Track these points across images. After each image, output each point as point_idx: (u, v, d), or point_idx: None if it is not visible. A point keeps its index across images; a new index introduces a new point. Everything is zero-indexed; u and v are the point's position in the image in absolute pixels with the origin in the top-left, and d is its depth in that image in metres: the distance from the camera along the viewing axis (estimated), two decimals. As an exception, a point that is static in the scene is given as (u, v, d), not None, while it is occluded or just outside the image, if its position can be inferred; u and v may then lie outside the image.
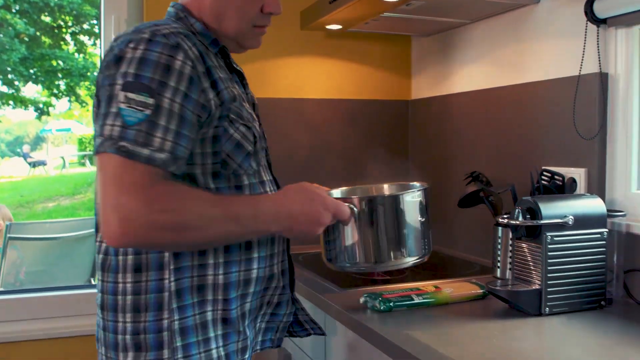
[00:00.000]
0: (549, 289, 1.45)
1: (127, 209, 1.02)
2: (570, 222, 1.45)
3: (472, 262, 2.13)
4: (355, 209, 1.28)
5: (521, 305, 1.48)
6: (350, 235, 1.31)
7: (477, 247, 2.20)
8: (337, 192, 1.44)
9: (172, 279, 1.17)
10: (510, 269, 1.73)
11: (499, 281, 1.72)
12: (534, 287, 1.47)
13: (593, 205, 1.52)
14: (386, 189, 1.51)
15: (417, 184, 1.45)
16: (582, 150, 1.74)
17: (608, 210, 1.56)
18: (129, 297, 1.18)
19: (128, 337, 1.18)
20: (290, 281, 1.38)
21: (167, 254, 1.18)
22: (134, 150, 1.05)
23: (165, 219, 1.05)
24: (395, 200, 1.32)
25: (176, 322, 1.18)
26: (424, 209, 1.35)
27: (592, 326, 1.38)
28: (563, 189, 1.71)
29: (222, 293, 1.22)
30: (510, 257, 1.69)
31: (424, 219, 1.35)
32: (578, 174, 1.73)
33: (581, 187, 1.71)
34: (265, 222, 1.17)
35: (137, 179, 1.04)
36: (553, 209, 1.46)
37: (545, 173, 1.75)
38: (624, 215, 1.57)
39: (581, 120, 1.73)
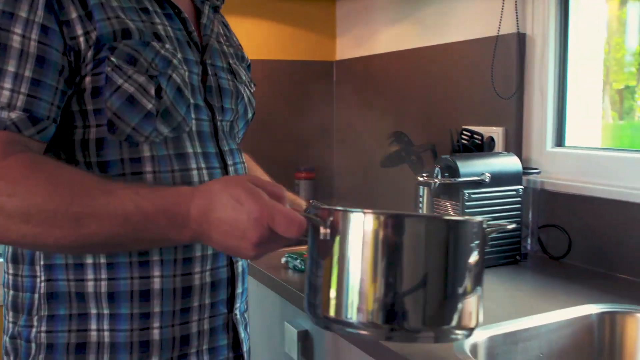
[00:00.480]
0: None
1: None
2: (487, 180, 1.48)
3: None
4: (322, 227, 0.72)
5: (440, 262, 1.49)
6: (319, 267, 0.74)
7: (400, 205, 2.22)
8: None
9: (42, 277, 0.91)
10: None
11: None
12: (452, 244, 1.49)
13: (509, 163, 1.55)
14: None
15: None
16: (500, 110, 1.77)
17: (524, 168, 1.60)
18: (10, 292, 0.95)
19: (7, 339, 0.96)
20: (229, 297, 1.00)
21: None
22: None
23: (13, 206, 0.76)
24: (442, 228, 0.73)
25: (43, 336, 0.91)
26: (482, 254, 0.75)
27: (507, 280, 1.42)
28: (482, 147, 1.74)
29: (107, 306, 0.90)
30: (431, 215, 1.71)
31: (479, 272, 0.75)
32: (496, 132, 1.76)
33: (499, 145, 1.75)
34: (160, 225, 0.78)
35: None
36: (470, 167, 1.49)
37: (465, 132, 1.77)
38: (538, 173, 1.62)
39: (499, 80, 1.76)
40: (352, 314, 0.70)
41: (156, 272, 0.91)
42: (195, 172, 0.95)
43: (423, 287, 0.69)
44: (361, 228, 0.70)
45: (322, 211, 0.72)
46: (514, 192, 1.53)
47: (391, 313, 0.69)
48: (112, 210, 0.77)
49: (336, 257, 0.71)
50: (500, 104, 1.76)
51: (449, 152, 1.71)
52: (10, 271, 0.94)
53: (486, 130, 1.77)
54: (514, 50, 1.72)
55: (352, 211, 0.71)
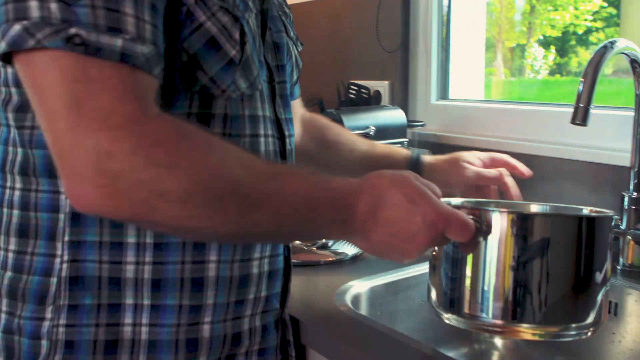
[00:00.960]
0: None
1: (116, 158, 0.60)
2: (371, 133, 1.49)
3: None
4: (482, 226, 0.71)
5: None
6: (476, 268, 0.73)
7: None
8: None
9: (65, 257, 0.73)
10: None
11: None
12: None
13: (394, 116, 1.56)
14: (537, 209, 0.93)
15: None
16: (386, 64, 1.77)
17: (409, 121, 1.61)
18: (7, 275, 0.75)
19: None
20: (282, 291, 0.89)
21: (61, 216, 0.73)
22: (97, 42, 0.61)
23: (172, 182, 0.61)
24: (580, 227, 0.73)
25: (61, 331, 0.73)
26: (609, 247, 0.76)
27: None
28: (369, 101, 1.74)
29: (150, 295, 0.75)
30: (320, 171, 1.71)
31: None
32: (382, 86, 1.76)
33: (385, 99, 1.76)
34: (326, 218, 0.69)
35: (123, 92, 0.61)
36: (355, 120, 1.48)
37: (352, 87, 1.77)
38: (423, 125, 1.64)
39: (385, 34, 1.75)
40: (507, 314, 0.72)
41: (213, 257, 0.77)
42: (262, 140, 0.82)
43: (570, 286, 0.72)
44: (513, 228, 0.71)
45: (483, 213, 0.71)
46: (399, 145, 1.54)
47: (546, 314, 0.71)
48: (283, 197, 0.66)
49: (490, 257, 0.71)
50: (386, 58, 1.76)
51: (336, 106, 1.71)
52: (12, 247, 0.75)
53: (373, 85, 1.77)
54: (398, 3, 1.72)
55: (510, 212, 0.72)
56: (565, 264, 0.72)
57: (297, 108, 1.15)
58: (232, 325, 0.82)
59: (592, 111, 1.33)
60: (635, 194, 1.14)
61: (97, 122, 0.59)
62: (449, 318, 0.76)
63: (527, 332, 0.72)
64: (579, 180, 1.27)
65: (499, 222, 0.71)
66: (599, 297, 0.74)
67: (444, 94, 1.72)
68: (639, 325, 1.07)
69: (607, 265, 0.74)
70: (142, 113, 0.62)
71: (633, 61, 1.07)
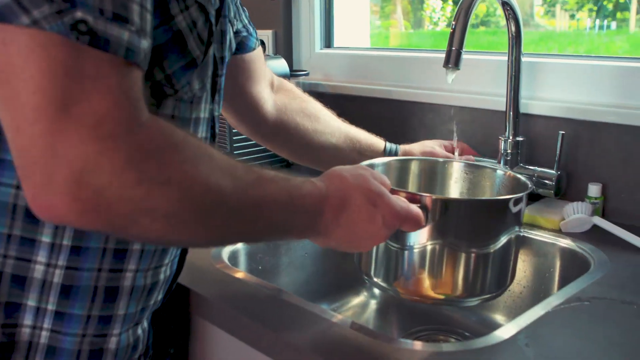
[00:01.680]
0: (235, 152, 1.44)
1: (104, 171, 0.52)
2: (254, 83, 1.43)
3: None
4: (428, 211, 0.74)
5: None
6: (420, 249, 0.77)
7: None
8: (379, 166, 0.92)
9: None
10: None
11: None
12: (222, 152, 1.45)
13: (276, 66, 1.51)
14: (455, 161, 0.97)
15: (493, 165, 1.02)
16: (269, 12, 1.71)
17: (293, 70, 1.57)
18: None
19: None
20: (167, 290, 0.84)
21: None
22: (105, 32, 0.52)
23: (164, 199, 0.55)
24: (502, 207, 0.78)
25: None
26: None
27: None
28: (253, 52, 1.68)
29: (56, 302, 0.69)
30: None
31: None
32: (266, 35, 1.70)
33: (270, 48, 1.70)
34: (297, 222, 0.67)
35: (120, 95, 0.53)
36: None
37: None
38: (307, 74, 1.60)
39: (267, -20, 1.69)
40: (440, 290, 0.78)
41: (132, 265, 0.72)
42: None
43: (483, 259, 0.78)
44: (439, 211, 0.74)
45: (429, 200, 0.74)
46: (300, 90, 1.50)
47: (469, 287, 0.78)
48: (263, 206, 0.63)
49: (426, 241, 0.76)
50: (269, 7, 1.70)
51: (219, 57, 1.64)
52: None
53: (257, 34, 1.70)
54: (279, -53, 1.66)
55: (442, 199, 0.78)
56: (477, 239, 0.77)
57: (264, 70, 1.08)
58: (132, 332, 0.77)
59: (471, 57, 1.34)
60: (511, 138, 1.16)
61: (87, 129, 0.51)
62: (377, 283, 0.81)
63: (439, 297, 0.78)
64: (459, 125, 1.28)
65: (435, 206, 0.74)
66: (508, 265, 0.80)
67: (328, 42, 1.68)
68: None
69: (515, 234, 0.79)
70: (135, 120, 0.54)
71: (504, 4, 1.07)
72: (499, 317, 1.13)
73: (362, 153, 1.15)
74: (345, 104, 1.55)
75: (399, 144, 1.20)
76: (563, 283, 1.03)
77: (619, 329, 0.75)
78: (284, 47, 1.69)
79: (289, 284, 1.15)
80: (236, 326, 0.82)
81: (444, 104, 1.33)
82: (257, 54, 1.05)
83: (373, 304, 1.23)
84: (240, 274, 0.93)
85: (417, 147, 1.20)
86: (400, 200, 0.71)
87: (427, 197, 0.74)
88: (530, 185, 0.82)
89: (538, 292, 1.07)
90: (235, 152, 1.44)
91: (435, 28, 1.98)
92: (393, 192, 0.73)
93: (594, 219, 1.05)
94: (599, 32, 1.55)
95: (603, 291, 0.85)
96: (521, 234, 0.83)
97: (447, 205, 0.75)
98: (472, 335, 1.11)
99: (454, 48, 0.96)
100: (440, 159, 0.97)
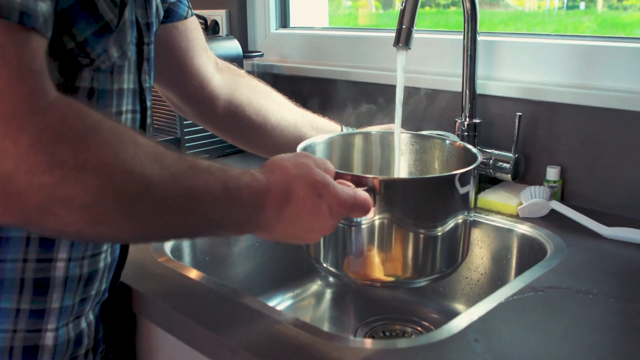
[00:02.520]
0: (186, 137, 1.38)
1: (9, 156, 0.47)
2: (204, 65, 1.37)
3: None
4: (375, 193, 0.70)
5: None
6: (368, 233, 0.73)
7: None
8: (321, 144, 0.87)
9: None
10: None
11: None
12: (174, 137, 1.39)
13: (228, 47, 1.45)
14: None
15: (450, 137, 0.93)
16: (223, -9, 1.65)
17: (247, 52, 1.51)
18: None
19: None
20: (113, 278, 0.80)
21: None
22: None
23: (78, 188, 0.50)
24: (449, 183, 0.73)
25: None
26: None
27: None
28: (207, 32, 1.61)
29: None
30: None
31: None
32: (220, 15, 1.64)
33: (223, 29, 1.64)
34: (234, 219, 0.61)
35: (18, 67, 0.48)
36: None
37: (188, 16, 1.63)
38: (261, 56, 1.54)
39: (219, -43, 1.62)
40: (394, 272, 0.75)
41: (63, 254, 0.67)
42: (123, 117, 0.71)
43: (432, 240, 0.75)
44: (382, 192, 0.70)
45: (376, 182, 0.70)
46: (245, 72, 1.44)
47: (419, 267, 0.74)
48: (195, 197, 0.57)
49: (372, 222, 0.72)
50: (223, -16, 1.64)
51: (170, 38, 1.57)
52: None
53: (209, 14, 1.64)
54: None
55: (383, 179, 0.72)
56: (426, 217, 0.73)
57: (203, 42, 1.00)
58: (73, 326, 0.72)
59: (427, 35, 1.29)
60: (467, 120, 1.12)
61: None
62: (327, 269, 0.77)
63: (389, 280, 0.75)
64: (416, 107, 1.24)
65: (381, 187, 0.70)
66: (458, 243, 0.76)
67: (284, 22, 1.62)
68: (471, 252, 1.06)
69: (465, 215, 0.75)
70: (41, 97, 0.48)
71: (459, -20, 1.02)
72: (457, 305, 1.09)
73: (319, 133, 1.09)
74: (301, 86, 1.50)
75: (358, 127, 1.14)
76: (520, 270, 1.00)
77: (574, 320, 0.72)
78: (239, 28, 1.63)
79: (239, 275, 1.10)
80: (173, 324, 0.77)
81: (417, 86, 1.28)
82: (191, 23, 0.98)
83: (329, 293, 1.19)
84: (183, 268, 0.87)
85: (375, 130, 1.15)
86: (346, 188, 0.67)
87: (374, 179, 0.70)
88: (479, 157, 0.78)
89: (495, 279, 1.04)
90: (186, 138, 1.38)
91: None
92: (338, 176, 0.69)
93: (551, 203, 1.02)
94: (566, 12, 1.52)
95: (559, 280, 0.81)
96: (472, 214, 0.79)
97: (394, 185, 0.72)
98: (429, 325, 1.07)
99: (404, 26, 0.91)
100: (384, 131, 0.92)
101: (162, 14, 0.89)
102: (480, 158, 0.78)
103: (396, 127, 0.87)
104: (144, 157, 0.54)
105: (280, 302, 1.15)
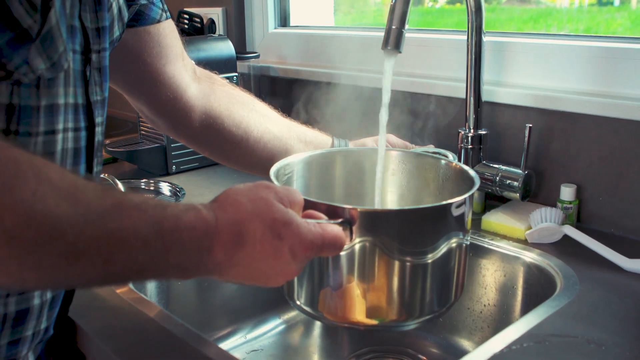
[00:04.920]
0: (172, 145, 1.28)
1: None
2: (192, 68, 1.27)
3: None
4: (352, 225, 0.60)
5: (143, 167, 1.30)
6: (345, 270, 0.63)
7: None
8: (298, 164, 0.77)
9: None
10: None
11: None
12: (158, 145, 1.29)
13: (220, 47, 1.35)
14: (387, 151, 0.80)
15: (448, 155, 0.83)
16: (220, -13, 1.55)
17: (243, 53, 1.41)
18: None
19: None
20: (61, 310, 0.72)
21: None
22: None
23: None
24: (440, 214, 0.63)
25: None
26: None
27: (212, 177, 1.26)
28: (203, 31, 1.52)
29: None
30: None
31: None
32: (216, 14, 1.54)
33: (220, 28, 1.54)
34: (173, 264, 0.51)
35: None
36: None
37: (184, 15, 1.53)
38: (257, 57, 1.44)
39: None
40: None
41: None
42: (60, 137, 0.62)
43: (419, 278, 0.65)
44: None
45: (354, 213, 0.60)
46: (227, 81, 1.34)
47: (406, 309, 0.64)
48: (119, 241, 0.48)
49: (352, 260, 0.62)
50: (220, -20, 1.54)
51: (162, 38, 1.47)
52: None
53: (206, 12, 1.54)
54: None
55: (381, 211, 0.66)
56: (413, 252, 0.62)
57: (179, 49, 0.90)
58: None
59: (429, 36, 1.17)
60: (471, 130, 1.00)
61: None
62: (301, 307, 0.67)
63: (372, 323, 0.64)
64: (414, 116, 1.12)
65: (361, 219, 0.60)
66: (451, 279, 0.66)
67: (284, 20, 1.51)
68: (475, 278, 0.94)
69: (458, 242, 0.65)
70: None
71: (461, -26, 0.90)
72: (457, 339, 0.98)
73: (307, 146, 0.98)
74: (299, 90, 1.38)
75: (358, 138, 1.03)
76: (526, 303, 0.88)
77: (581, 380, 0.60)
78: (236, 27, 1.53)
79: (220, 299, 1.00)
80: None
81: (416, 91, 1.16)
82: (165, 28, 0.88)
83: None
84: (141, 302, 0.78)
85: (370, 142, 1.03)
86: (313, 225, 0.56)
87: (351, 210, 0.59)
88: (476, 182, 0.67)
89: (500, 312, 0.92)
90: (172, 146, 1.28)
91: (435, 5, 1.85)
92: (309, 205, 0.59)
93: (564, 228, 0.90)
94: (599, 8, 1.41)
95: (566, 326, 0.69)
96: (467, 242, 0.68)
97: (375, 217, 0.61)
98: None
99: (393, 27, 0.79)
100: (370, 148, 0.81)
101: (126, 16, 0.79)
102: (477, 184, 0.67)
103: (380, 144, 0.76)
104: (49, 194, 0.44)
105: (272, 330, 1.05)
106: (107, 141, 1.45)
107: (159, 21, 0.86)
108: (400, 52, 0.80)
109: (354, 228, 0.60)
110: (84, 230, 0.46)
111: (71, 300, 0.72)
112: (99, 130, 0.68)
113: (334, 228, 0.57)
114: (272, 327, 1.06)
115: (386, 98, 0.77)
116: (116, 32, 0.76)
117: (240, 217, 0.54)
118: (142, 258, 0.50)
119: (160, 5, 0.86)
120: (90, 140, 0.67)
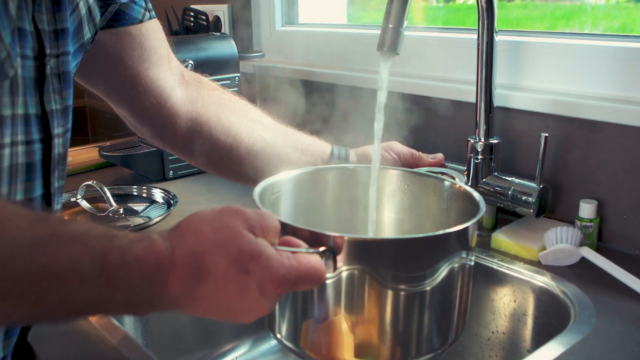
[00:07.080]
0: (168, 150, 1.23)
1: None
2: (190, 67, 1.21)
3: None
4: (336, 254, 0.53)
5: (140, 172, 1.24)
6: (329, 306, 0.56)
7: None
8: (285, 184, 0.69)
9: None
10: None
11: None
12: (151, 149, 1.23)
13: (222, 46, 1.28)
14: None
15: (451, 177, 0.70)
16: (227, -17, 1.48)
17: (248, 52, 1.34)
18: None
19: None
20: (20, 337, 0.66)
21: None
22: None
23: None
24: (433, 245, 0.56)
25: None
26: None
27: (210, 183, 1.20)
28: (209, 29, 1.45)
29: None
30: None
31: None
32: (222, 11, 1.47)
33: (225, 25, 1.47)
34: (121, 301, 0.46)
35: None
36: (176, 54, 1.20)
37: (189, 12, 1.47)
38: (261, 56, 1.37)
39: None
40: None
41: None
42: (7, 152, 0.56)
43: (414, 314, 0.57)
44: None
45: (339, 242, 0.53)
46: (229, 82, 1.27)
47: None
48: (52, 279, 0.43)
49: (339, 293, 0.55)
50: (226, -24, 1.47)
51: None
52: None
53: (211, 9, 1.47)
54: None
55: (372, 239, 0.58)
56: (408, 285, 0.55)
57: (164, 51, 0.83)
58: None
59: (440, 34, 1.09)
60: (482, 139, 0.91)
61: None
62: (282, 342, 0.60)
63: None
64: (418, 122, 1.03)
65: (343, 249, 0.53)
66: (452, 312, 0.58)
67: (292, 17, 1.44)
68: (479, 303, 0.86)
69: (461, 269, 0.58)
70: None
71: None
72: (463, 368, 0.89)
73: (304, 155, 0.90)
74: (305, 93, 1.31)
75: (363, 145, 0.94)
76: (537, 334, 0.80)
77: None
78: (242, 24, 1.46)
79: (199, 321, 0.93)
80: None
81: (431, 95, 1.07)
82: (148, 29, 0.81)
83: None
84: (108, 327, 0.71)
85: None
86: (286, 257, 0.49)
87: (336, 238, 0.52)
88: (482, 208, 0.59)
89: (509, 340, 0.84)
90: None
91: (467, 2, 1.77)
92: (291, 230, 0.53)
93: (582, 250, 0.81)
94: (636, 4, 1.32)
95: (577, 368, 0.61)
96: (472, 263, 0.59)
97: (365, 247, 0.53)
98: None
99: (390, 26, 0.71)
100: (366, 165, 0.73)
101: (98, 16, 0.72)
102: (482, 210, 0.59)
103: (374, 160, 0.68)
104: None
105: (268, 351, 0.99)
106: (108, 143, 1.40)
107: (141, 21, 0.79)
108: (397, 54, 0.72)
109: (338, 257, 0.52)
110: (7, 266, 0.40)
111: (30, 327, 0.66)
112: (58, 142, 0.61)
113: (310, 260, 0.50)
114: (268, 347, 0.99)
115: (381, 105, 0.69)
116: (87, 34, 0.70)
117: (201, 248, 0.47)
118: (82, 296, 0.44)
119: (143, 4, 0.80)
120: (47, 153, 0.60)
